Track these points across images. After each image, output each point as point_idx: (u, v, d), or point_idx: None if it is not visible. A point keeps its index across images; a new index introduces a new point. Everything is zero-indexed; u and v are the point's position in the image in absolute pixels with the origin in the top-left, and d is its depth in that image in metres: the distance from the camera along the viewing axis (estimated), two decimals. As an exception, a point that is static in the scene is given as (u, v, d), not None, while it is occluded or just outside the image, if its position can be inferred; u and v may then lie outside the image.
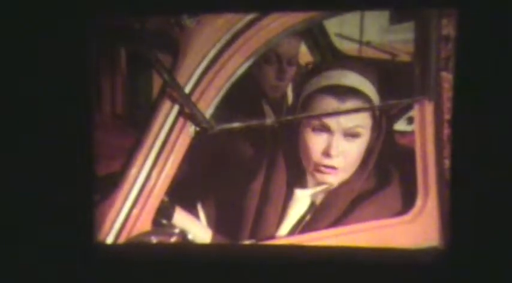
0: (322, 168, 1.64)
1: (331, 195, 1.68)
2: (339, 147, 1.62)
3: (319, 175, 1.66)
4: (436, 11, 1.59)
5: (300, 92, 1.66)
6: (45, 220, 1.71)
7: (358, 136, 1.63)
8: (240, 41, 1.63)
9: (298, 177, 1.69)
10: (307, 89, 1.64)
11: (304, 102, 1.64)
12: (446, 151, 1.63)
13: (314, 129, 1.63)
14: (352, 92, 1.61)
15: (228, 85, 1.64)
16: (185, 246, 1.73)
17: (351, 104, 1.61)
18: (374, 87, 1.62)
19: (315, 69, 1.67)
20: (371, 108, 1.62)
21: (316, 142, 1.63)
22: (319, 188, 1.68)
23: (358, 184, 1.67)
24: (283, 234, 1.71)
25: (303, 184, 1.69)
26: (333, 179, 1.66)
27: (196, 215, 1.72)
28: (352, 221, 1.68)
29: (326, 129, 1.62)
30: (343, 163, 1.64)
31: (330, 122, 1.62)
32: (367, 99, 1.62)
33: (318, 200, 1.69)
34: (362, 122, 1.62)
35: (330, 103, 1.62)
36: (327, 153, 1.63)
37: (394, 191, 1.67)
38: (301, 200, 1.70)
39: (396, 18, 1.63)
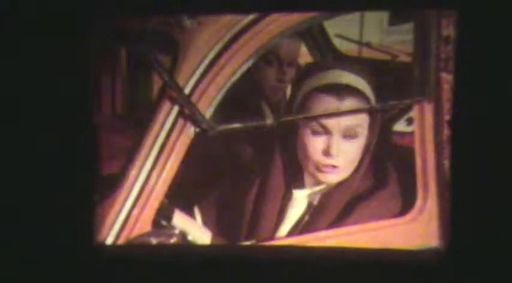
0: (323, 167, 1.64)
1: (328, 195, 1.68)
2: (339, 147, 1.62)
3: (320, 175, 1.66)
4: (435, 12, 1.59)
5: (297, 90, 1.66)
6: (45, 221, 1.70)
7: (357, 136, 1.63)
8: (240, 42, 1.63)
9: (296, 177, 1.69)
10: (304, 88, 1.64)
11: (302, 101, 1.64)
12: (446, 152, 1.63)
13: (313, 131, 1.63)
14: (349, 90, 1.61)
15: (228, 86, 1.64)
16: (185, 247, 1.73)
17: (349, 101, 1.62)
18: (370, 86, 1.63)
19: (312, 68, 1.67)
20: (371, 109, 1.63)
21: (316, 143, 1.64)
22: (317, 188, 1.69)
23: (354, 183, 1.67)
24: (283, 234, 1.71)
25: (301, 185, 1.69)
26: (333, 178, 1.66)
27: (195, 216, 1.72)
28: (352, 222, 1.68)
29: (325, 130, 1.62)
30: (343, 162, 1.64)
31: (329, 123, 1.62)
32: (364, 96, 1.62)
33: (316, 200, 1.70)
34: (360, 121, 1.63)
35: (329, 102, 1.62)
36: (327, 153, 1.63)
37: (394, 192, 1.67)
38: (299, 201, 1.70)
39: (396, 19, 1.64)
